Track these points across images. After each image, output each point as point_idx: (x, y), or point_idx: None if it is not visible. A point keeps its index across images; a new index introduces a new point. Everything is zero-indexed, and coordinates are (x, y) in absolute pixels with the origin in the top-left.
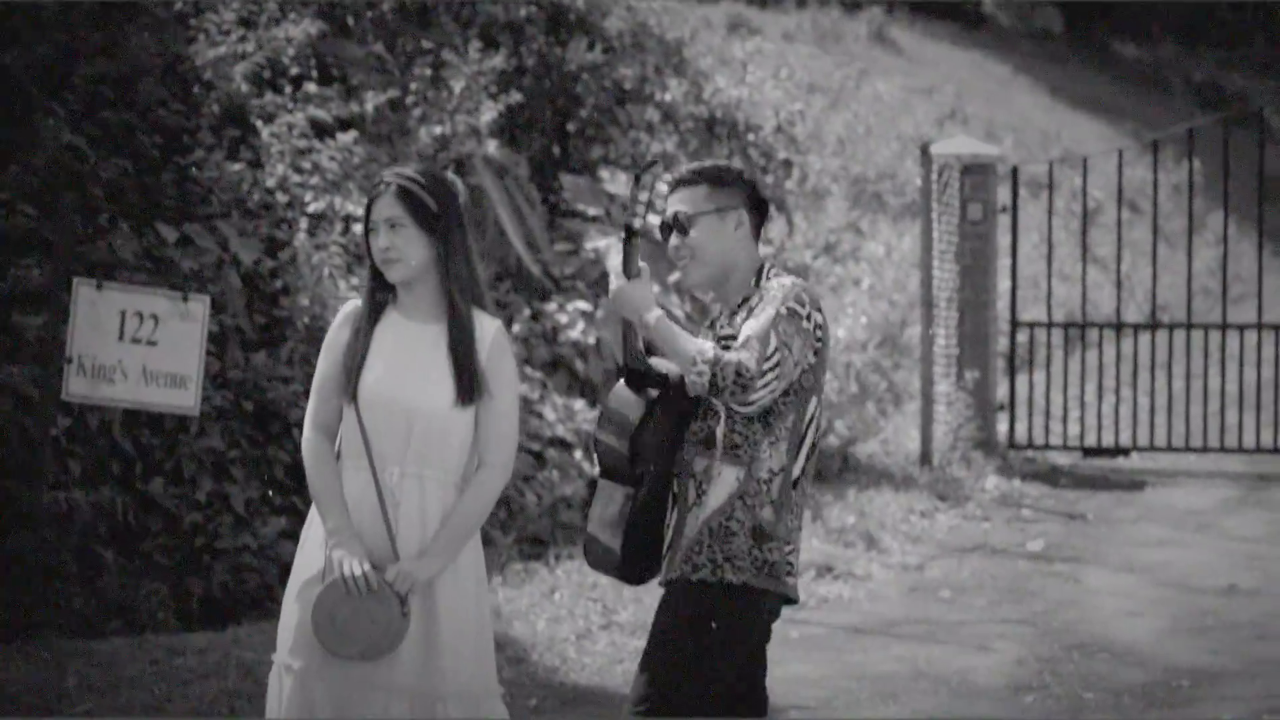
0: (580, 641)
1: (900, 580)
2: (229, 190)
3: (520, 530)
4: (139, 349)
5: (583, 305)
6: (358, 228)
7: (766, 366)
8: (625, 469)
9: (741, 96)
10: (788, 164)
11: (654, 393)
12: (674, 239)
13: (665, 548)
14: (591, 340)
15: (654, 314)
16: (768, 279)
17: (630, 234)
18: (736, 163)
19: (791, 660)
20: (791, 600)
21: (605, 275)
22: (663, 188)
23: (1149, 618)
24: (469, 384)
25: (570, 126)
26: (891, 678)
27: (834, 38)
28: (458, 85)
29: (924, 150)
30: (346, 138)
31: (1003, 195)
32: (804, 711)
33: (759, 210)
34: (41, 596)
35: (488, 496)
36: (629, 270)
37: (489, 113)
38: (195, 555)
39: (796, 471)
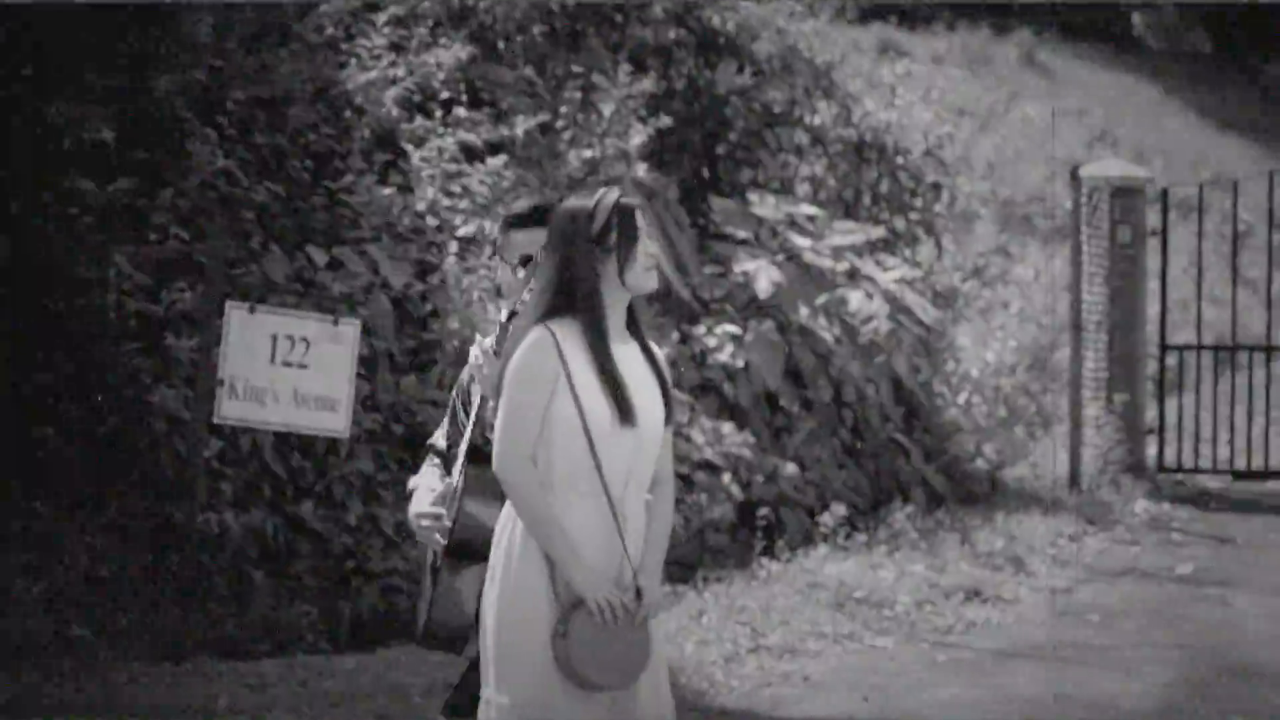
0: (728, 664)
1: (1048, 604)
2: (379, 214)
3: (667, 553)
4: (290, 372)
5: (731, 328)
6: None
7: None
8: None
9: (891, 119)
10: (937, 187)
11: None
12: (524, 276)
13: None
14: (740, 363)
15: None
16: None
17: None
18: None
19: (940, 684)
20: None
21: (754, 299)
22: None
23: None
24: (670, 403)
25: (719, 150)
26: (1040, 702)
27: (983, 60)
28: (607, 109)
29: (1073, 173)
30: (496, 161)
31: (1152, 218)
32: None
33: None
34: (193, 618)
35: (671, 512)
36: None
37: (638, 136)
38: (345, 578)
39: None
